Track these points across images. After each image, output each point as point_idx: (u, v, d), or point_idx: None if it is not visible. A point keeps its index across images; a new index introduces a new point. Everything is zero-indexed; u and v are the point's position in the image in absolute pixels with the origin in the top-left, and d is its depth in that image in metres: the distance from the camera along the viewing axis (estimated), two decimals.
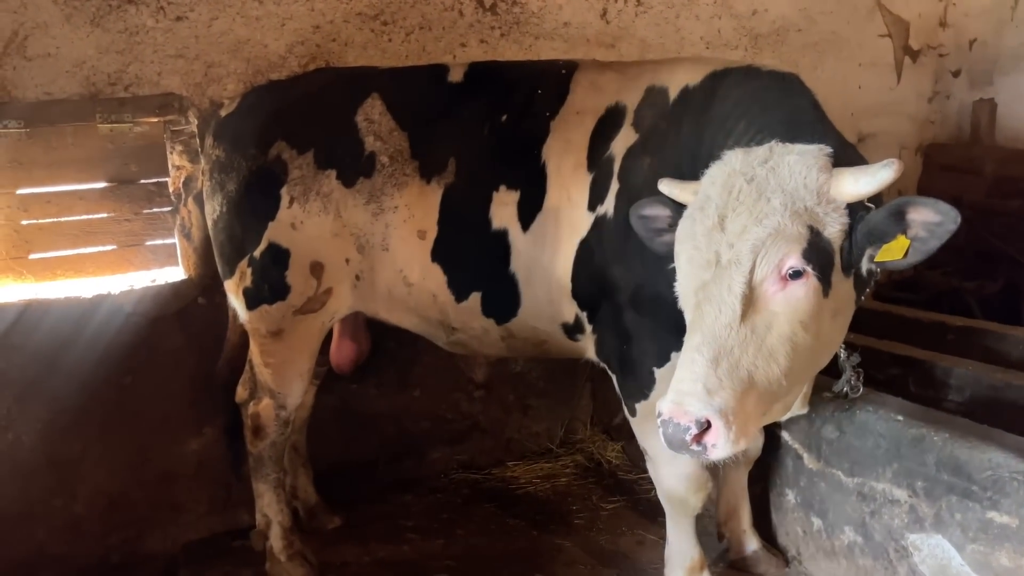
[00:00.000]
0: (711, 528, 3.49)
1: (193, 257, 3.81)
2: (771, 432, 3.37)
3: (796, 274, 2.01)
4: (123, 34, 3.54)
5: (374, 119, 3.06)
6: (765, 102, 2.50)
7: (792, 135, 2.24)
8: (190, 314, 3.83)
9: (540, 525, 3.90)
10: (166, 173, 3.77)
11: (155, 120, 3.66)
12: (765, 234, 1.99)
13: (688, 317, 2.11)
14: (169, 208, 3.81)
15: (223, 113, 3.37)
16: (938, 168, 5.74)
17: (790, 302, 2.02)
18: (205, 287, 3.82)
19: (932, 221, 2.02)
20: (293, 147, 3.09)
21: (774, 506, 3.49)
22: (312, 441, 4.01)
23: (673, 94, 2.76)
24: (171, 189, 3.79)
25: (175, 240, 3.86)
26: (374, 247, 3.07)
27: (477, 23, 4.24)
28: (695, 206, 2.16)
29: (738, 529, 3.36)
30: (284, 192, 3.10)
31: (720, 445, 1.93)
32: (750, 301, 2.00)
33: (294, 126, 3.13)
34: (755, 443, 3.29)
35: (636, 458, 4.51)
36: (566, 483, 4.36)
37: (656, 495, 4.04)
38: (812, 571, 3.31)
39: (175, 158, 3.75)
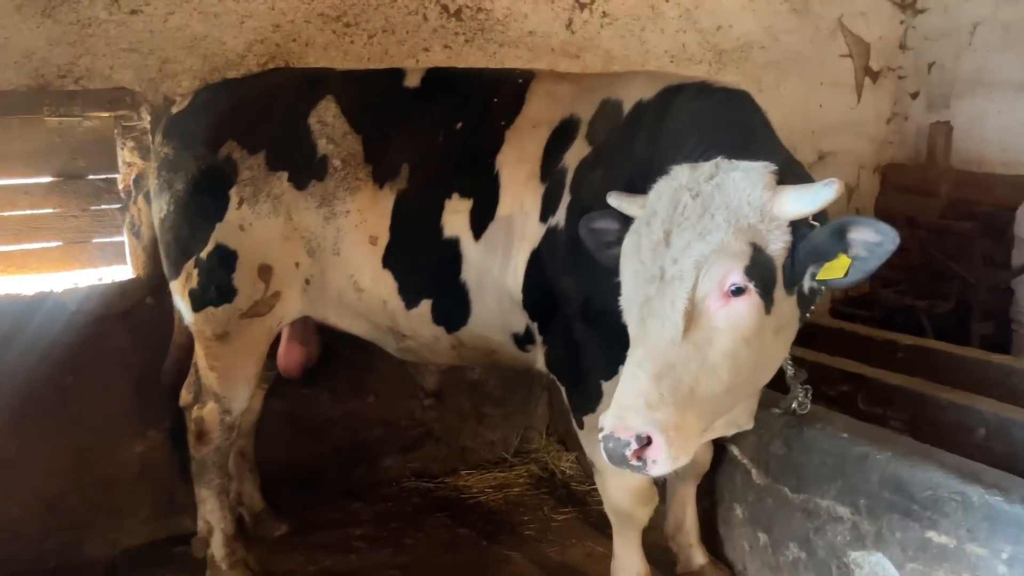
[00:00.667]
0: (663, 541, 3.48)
1: (142, 256, 3.72)
2: (721, 447, 3.38)
3: (738, 291, 2.01)
4: (75, 26, 3.46)
5: (328, 122, 3.02)
6: (715, 119, 2.51)
7: (740, 152, 2.24)
8: (137, 314, 3.75)
9: (490, 535, 3.87)
10: (116, 169, 3.69)
11: (106, 115, 3.59)
12: (708, 250, 1.99)
13: (632, 331, 2.10)
14: (118, 205, 3.73)
15: (174, 110, 3.31)
16: (895, 188, 5.83)
17: (732, 318, 2.02)
18: (154, 287, 3.73)
19: (872, 241, 2.03)
20: (244, 147, 3.04)
21: (722, 520, 3.50)
22: (262, 446, 3.94)
23: (627, 108, 2.76)
24: (121, 186, 3.70)
25: (124, 238, 3.78)
26: (325, 251, 3.02)
27: (441, 28, 4.22)
28: (641, 220, 2.16)
29: (685, 543, 3.36)
30: (233, 193, 3.04)
31: (660, 461, 1.92)
32: (693, 317, 1.99)
33: (246, 126, 3.07)
34: (703, 457, 3.30)
35: (590, 469, 4.49)
36: (519, 493, 4.33)
37: None
38: None
39: (126, 154, 3.67)
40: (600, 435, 1.97)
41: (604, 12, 4.66)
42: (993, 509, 2.38)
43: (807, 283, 2.18)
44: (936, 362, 3.89)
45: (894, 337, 4.17)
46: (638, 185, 2.40)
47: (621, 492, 2.91)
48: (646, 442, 1.90)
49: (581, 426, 2.90)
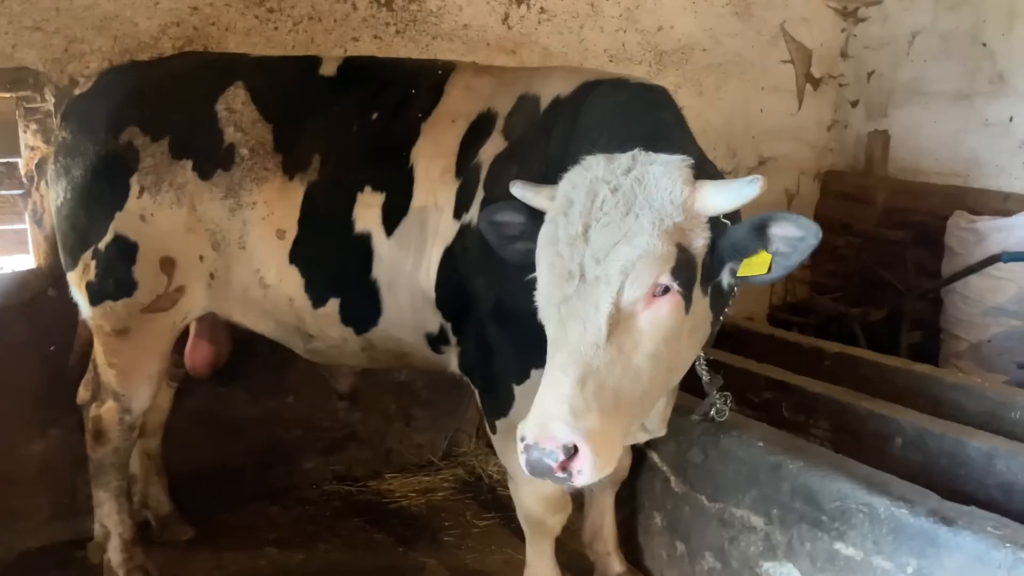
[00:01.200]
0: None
1: (44, 245, 3.53)
2: (642, 453, 3.32)
3: (664, 291, 1.95)
4: None
5: (236, 108, 2.87)
6: (628, 114, 2.44)
7: (651, 147, 2.16)
8: (38, 306, 3.55)
9: (407, 541, 3.76)
10: (18, 153, 3.50)
11: (7, 95, 3.40)
12: (636, 255, 1.90)
13: (549, 330, 2.01)
14: (20, 191, 3.54)
15: (76, 92, 3.13)
16: (834, 195, 5.86)
17: (656, 319, 1.95)
18: (56, 278, 3.52)
19: (794, 236, 1.98)
20: (147, 133, 2.88)
21: (642, 528, 3.44)
22: (173, 447, 3.77)
23: (544, 103, 2.67)
24: (23, 171, 3.51)
25: (26, 226, 3.59)
26: (230, 244, 2.88)
27: (371, 18, 4.10)
28: (557, 210, 2.06)
29: (603, 551, 3.29)
30: (134, 181, 2.88)
31: (586, 471, 1.83)
32: (616, 320, 1.91)
33: (149, 111, 2.91)
34: (623, 463, 3.23)
35: None
36: (443, 498, 4.22)
37: None
38: None
39: (28, 137, 3.48)
40: (521, 444, 1.87)
41: (542, 8, 4.58)
42: (899, 521, 2.35)
43: (726, 279, 2.13)
44: (860, 370, 3.89)
45: (821, 345, 4.16)
46: (551, 181, 2.32)
47: (533, 499, 2.83)
48: (572, 452, 1.82)
49: (494, 431, 2.81)
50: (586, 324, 1.91)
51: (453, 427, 4.71)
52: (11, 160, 3.49)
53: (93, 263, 2.96)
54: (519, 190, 2.25)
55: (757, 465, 2.84)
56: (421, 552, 3.66)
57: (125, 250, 2.91)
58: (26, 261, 3.61)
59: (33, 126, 3.47)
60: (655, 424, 2.73)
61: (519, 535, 3.78)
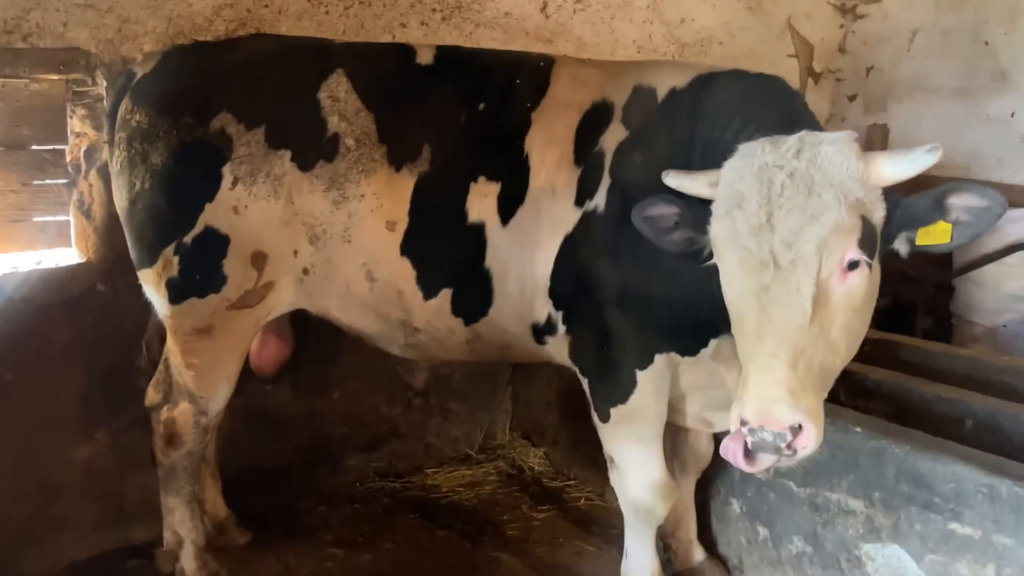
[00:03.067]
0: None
1: (93, 238, 3.35)
2: (716, 440, 3.36)
3: (853, 264, 2.01)
4: None
5: (340, 97, 2.76)
6: (757, 100, 2.51)
7: (791, 130, 2.20)
8: (86, 302, 3.36)
9: (472, 537, 3.72)
10: (64, 140, 3.29)
11: (56, 78, 3.19)
12: (826, 232, 1.95)
13: (749, 319, 2.04)
14: (65, 180, 3.32)
15: (140, 72, 2.92)
16: None
17: (849, 292, 2.02)
18: (106, 272, 3.36)
19: (978, 206, 2.02)
20: (240, 120, 2.73)
21: (716, 516, 3.48)
22: (222, 448, 3.63)
23: (661, 94, 2.69)
24: (69, 158, 3.30)
25: (69, 217, 3.38)
26: (333, 238, 2.77)
27: (419, 3, 4.01)
28: (729, 204, 2.08)
29: (685, 539, 3.33)
30: (227, 170, 2.73)
31: (810, 446, 1.93)
32: (817, 299, 1.97)
33: (241, 97, 2.77)
34: (706, 451, 3.27)
35: (560, 465, 4.42)
36: (491, 491, 4.19)
37: (586, 503, 4.07)
38: None
39: (76, 123, 3.28)
40: (744, 428, 1.94)
41: None
42: (1022, 500, 2.45)
43: (903, 248, 2.17)
44: (902, 355, 4.00)
45: None
46: (678, 168, 2.37)
47: (642, 487, 2.83)
48: (797, 430, 1.91)
49: (606, 418, 2.79)
50: (790, 308, 1.96)
51: (488, 420, 4.69)
52: (57, 147, 3.27)
53: (176, 258, 2.80)
54: (673, 179, 2.28)
55: (856, 450, 2.91)
56: (489, 547, 3.63)
57: (215, 244, 2.77)
58: (68, 255, 3.39)
59: (81, 111, 3.27)
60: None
61: (581, 526, 3.84)
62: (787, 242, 1.97)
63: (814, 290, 1.96)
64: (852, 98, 6.07)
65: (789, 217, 1.98)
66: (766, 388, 1.92)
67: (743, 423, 1.93)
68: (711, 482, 3.48)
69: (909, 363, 3.95)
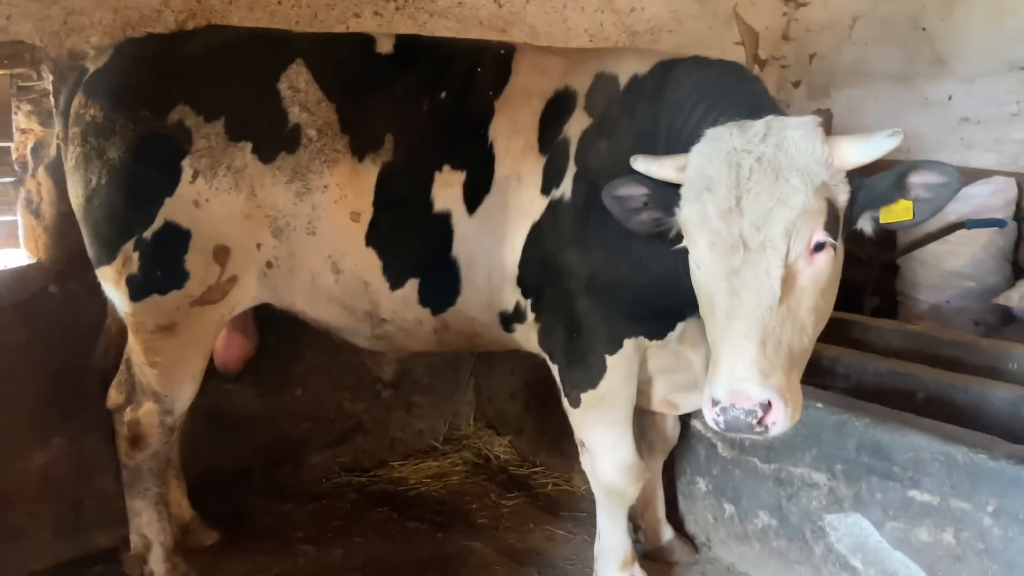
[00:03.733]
0: None
1: (43, 237, 3.24)
2: (683, 422, 3.42)
3: (819, 246, 2.07)
4: None
5: (300, 88, 2.72)
6: (720, 86, 2.57)
7: (754, 115, 2.27)
8: (36, 305, 3.25)
9: (443, 527, 3.72)
10: (10, 138, 3.18)
11: (0, 72, 3.06)
12: (794, 215, 2.02)
13: (720, 301, 2.10)
14: (11, 179, 3.21)
15: (92, 66, 2.85)
16: None
17: (816, 274, 2.09)
18: (58, 273, 3.26)
19: (937, 182, 2.11)
20: (199, 113, 2.68)
21: (683, 494, 3.55)
22: (182, 449, 3.56)
23: (623, 81, 2.72)
24: (15, 156, 3.19)
25: (17, 217, 3.27)
26: (297, 230, 2.74)
27: None
28: (698, 188, 2.13)
29: (654, 519, 3.39)
30: (186, 164, 2.68)
31: (780, 422, 2.00)
32: (785, 281, 2.03)
33: (200, 89, 2.71)
34: (673, 432, 3.33)
35: (526, 452, 4.45)
36: (459, 481, 4.20)
37: (553, 488, 4.11)
38: (722, 556, 3.40)
39: (21, 119, 3.17)
40: (715, 408, 2.00)
41: None
42: (977, 467, 2.55)
43: (868, 227, 2.24)
44: (853, 333, 4.14)
45: None
46: (642, 153, 2.40)
47: (614, 470, 2.87)
48: (767, 408, 1.96)
49: (576, 404, 2.82)
50: (760, 290, 2.02)
51: (451, 412, 4.69)
52: (2, 144, 3.16)
53: (136, 254, 2.74)
54: (641, 164, 2.32)
55: (818, 425, 3.00)
56: (460, 536, 3.63)
57: (176, 238, 2.71)
58: (17, 256, 3.28)
59: (27, 106, 3.16)
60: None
61: (550, 511, 3.88)
62: (756, 225, 2.03)
63: (783, 272, 2.02)
64: (796, 84, 6.21)
65: (758, 200, 2.04)
66: (736, 367, 1.99)
67: (715, 403, 1.99)
68: (677, 462, 3.55)
69: (861, 341, 4.08)
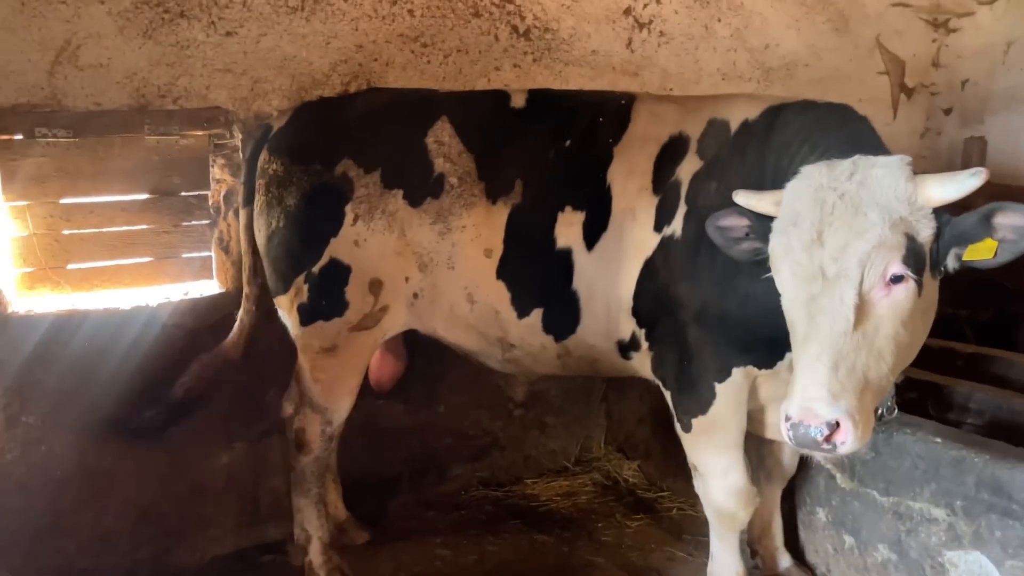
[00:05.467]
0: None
1: (231, 270, 3.82)
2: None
3: (897, 279, 2.19)
4: (174, 47, 3.55)
5: (444, 141, 3.14)
6: (825, 126, 2.69)
7: (855, 153, 2.39)
8: (225, 327, 3.81)
9: (568, 541, 3.97)
10: (207, 186, 3.77)
11: (200, 133, 3.68)
12: (869, 247, 2.16)
13: (799, 327, 2.26)
14: (207, 221, 3.82)
15: (276, 126, 3.40)
16: None
17: (893, 305, 2.20)
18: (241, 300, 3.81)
19: (1021, 224, 2.18)
20: (360, 165, 3.15)
21: (803, 524, 3.61)
22: (339, 456, 4.02)
23: (734, 126, 2.91)
24: (211, 202, 3.80)
25: (211, 253, 3.86)
26: (439, 265, 3.13)
27: (511, 48, 4.35)
28: (786, 221, 2.30)
29: (772, 546, 3.47)
30: (348, 209, 3.15)
31: (849, 442, 2.12)
32: (860, 309, 2.16)
33: (361, 144, 3.18)
34: (791, 461, 3.42)
35: (653, 477, 4.61)
36: (587, 500, 4.44)
37: (678, 513, 4.25)
38: None
39: (216, 171, 3.76)
40: (787, 424, 2.16)
41: (661, 32, 4.80)
42: None
43: (951, 264, 2.32)
44: (995, 369, 4.03)
45: (953, 345, 4.30)
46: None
47: (725, 493, 3.02)
48: (835, 427, 2.10)
49: (688, 429, 3.01)
50: (834, 316, 2.17)
51: (583, 434, 4.94)
52: (201, 192, 3.76)
53: (306, 286, 3.21)
54: (743, 198, 2.51)
55: (936, 460, 3.00)
56: (585, 551, 3.87)
57: (339, 273, 3.16)
58: (210, 286, 3.87)
59: (221, 160, 3.75)
60: None
61: (672, 534, 4.02)
62: (834, 256, 2.18)
63: (856, 300, 2.15)
64: (948, 111, 6.04)
65: (837, 233, 2.19)
66: (808, 388, 2.13)
67: (787, 418, 2.15)
68: (797, 491, 3.61)
69: (1002, 377, 3.97)
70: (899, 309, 2.21)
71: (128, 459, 3.65)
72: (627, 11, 4.65)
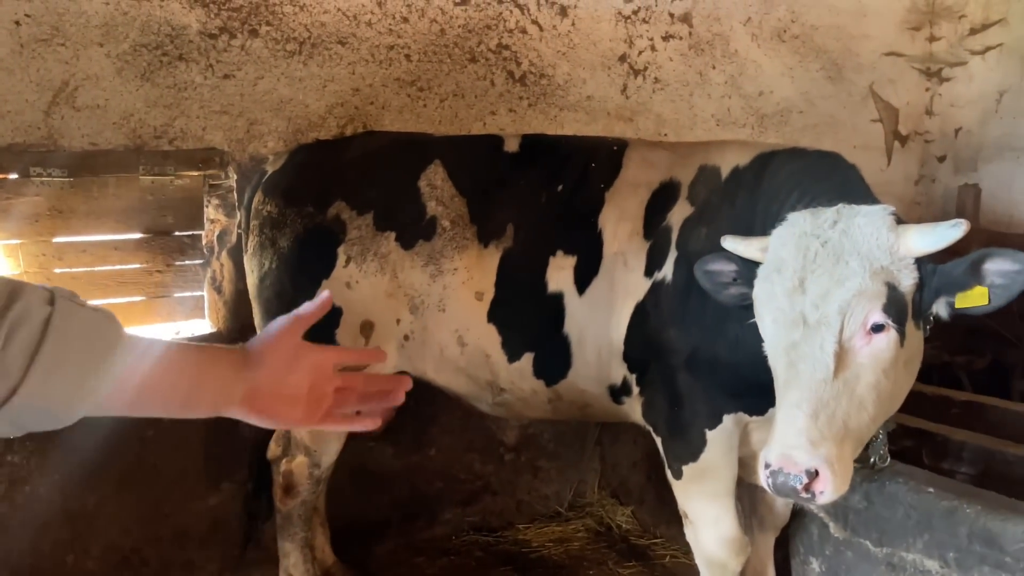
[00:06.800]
0: None
1: (223, 310, 3.81)
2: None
3: (878, 328, 2.16)
4: (171, 89, 3.59)
5: (437, 185, 3.16)
6: (815, 174, 2.69)
7: (844, 201, 2.39)
8: None
9: None
10: (201, 226, 3.79)
11: (196, 173, 3.70)
12: (849, 296, 2.14)
13: (780, 373, 2.25)
14: (200, 261, 3.82)
15: (270, 169, 3.42)
16: None
17: (874, 354, 2.17)
18: (233, 340, 3.80)
19: (1011, 270, 2.16)
20: (353, 207, 3.17)
21: (796, 574, 3.55)
22: (328, 500, 3.97)
23: (725, 173, 2.93)
24: (204, 242, 3.81)
25: (203, 292, 3.86)
26: (430, 308, 3.13)
27: (507, 93, 4.40)
28: (770, 268, 2.30)
29: None
30: (341, 251, 3.15)
31: (828, 491, 2.08)
32: (840, 357, 2.15)
33: (354, 187, 3.20)
34: (784, 510, 3.37)
35: (647, 523, 4.55)
36: (579, 547, 4.37)
37: (671, 560, 4.19)
38: None
39: (211, 211, 3.78)
40: (766, 471, 2.11)
41: (656, 78, 4.87)
42: None
43: (944, 312, 2.31)
44: (990, 417, 4.00)
45: (948, 393, 4.27)
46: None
47: (716, 542, 2.98)
48: (814, 475, 2.06)
49: (679, 476, 2.98)
50: (814, 363, 2.14)
51: (576, 478, 4.88)
52: (195, 232, 3.77)
53: None
54: (730, 243, 2.50)
55: (929, 510, 2.96)
56: None
57: (330, 315, 3.14)
58: (201, 325, 3.86)
59: (215, 201, 3.77)
60: None
61: None
62: (815, 303, 2.17)
63: (836, 347, 2.13)
64: (941, 159, 6.10)
65: (818, 281, 2.18)
66: (787, 435, 2.10)
67: (766, 465, 2.11)
68: (791, 540, 3.55)
69: (996, 425, 3.94)
70: (880, 358, 2.19)
71: (111, 501, 3.58)
72: (622, 58, 4.72)
